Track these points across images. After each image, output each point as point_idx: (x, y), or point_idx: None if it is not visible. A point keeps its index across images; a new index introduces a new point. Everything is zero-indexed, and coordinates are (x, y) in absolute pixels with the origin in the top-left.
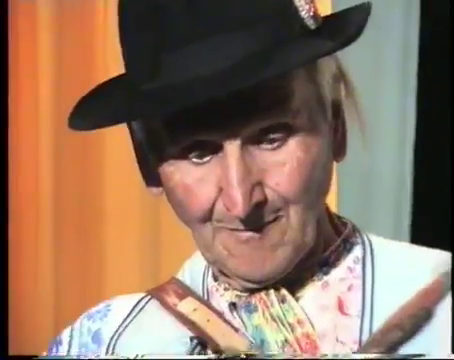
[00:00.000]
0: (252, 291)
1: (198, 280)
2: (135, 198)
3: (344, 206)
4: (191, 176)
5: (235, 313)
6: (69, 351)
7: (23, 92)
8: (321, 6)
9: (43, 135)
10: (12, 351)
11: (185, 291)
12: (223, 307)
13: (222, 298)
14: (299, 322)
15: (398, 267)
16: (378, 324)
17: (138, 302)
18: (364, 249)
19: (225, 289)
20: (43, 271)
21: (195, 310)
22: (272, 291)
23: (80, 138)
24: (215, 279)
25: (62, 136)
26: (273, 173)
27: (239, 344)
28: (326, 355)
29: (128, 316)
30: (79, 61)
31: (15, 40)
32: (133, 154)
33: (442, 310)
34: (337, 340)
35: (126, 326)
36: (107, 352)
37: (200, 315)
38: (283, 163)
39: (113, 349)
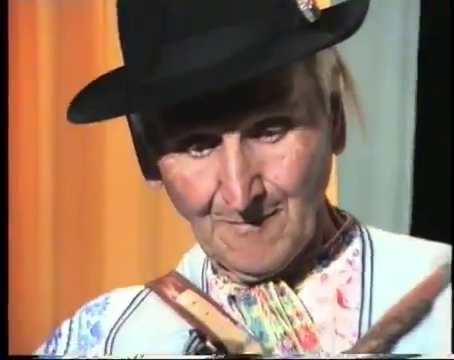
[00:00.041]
0: (251, 284)
1: (197, 273)
2: (134, 197)
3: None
4: (190, 169)
5: (234, 306)
6: (68, 344)
7: (23, 92)
8: None
9: (43, 134)
10: (11, 351)
11: (184, 284)
12: (222, 300)
13: (221, 291)
14: (298, 315)
15: (397, 259)
16: (377, 317)
17: (137, 295)
18: (363, 242)
19: (224, 282)
20: (42, 271)
21: (194, 303)
22: (271, 284)
23: (80, 137)
24: (214, 272)
25: (62, 135)
26: (272, 166)
27: (238, 337)
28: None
29: (127, 309)
30: (79, 61)
31: (15, 40)
32: (133, 151)
33: (441, 302)
34: (336, 333)
35: (125, 319)
36: (106, 345)
37: (199, 308)
38: (282, 156)
39: (112, 342)
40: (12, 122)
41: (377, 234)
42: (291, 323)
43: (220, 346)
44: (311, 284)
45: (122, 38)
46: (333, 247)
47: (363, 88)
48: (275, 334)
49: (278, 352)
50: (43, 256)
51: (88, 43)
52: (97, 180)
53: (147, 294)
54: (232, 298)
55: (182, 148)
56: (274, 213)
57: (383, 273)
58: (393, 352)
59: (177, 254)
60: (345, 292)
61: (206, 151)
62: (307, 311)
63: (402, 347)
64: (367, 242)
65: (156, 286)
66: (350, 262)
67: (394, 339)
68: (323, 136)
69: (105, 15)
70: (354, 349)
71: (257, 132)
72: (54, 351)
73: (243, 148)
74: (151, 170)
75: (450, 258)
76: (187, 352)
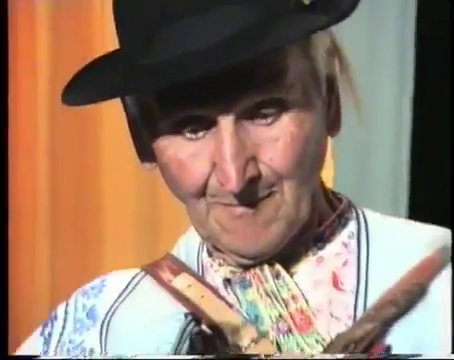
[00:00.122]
0: (246, 267)
1: (193, 256)
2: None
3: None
4: (185, 151)
5: (229, 289)
6: (64, 327)
7: (22, 88)
8: None
9: (41, 130)
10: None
11: (180, 267)
12: (217, 283)
13: (216, 274)
14: (293, 297)
15: (393, 242)
16: (372, 300)
17: (133, 278)
18: (359, 224)
19: (220, 265)
20: (40, 267)
21: (190, 286)
22: (266, 267)
23: (78, 133)
24: (210, 255)
25: (60, 130)
26: (267, 148)
27: (233, 320)
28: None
29: (123, 292)
30: (77, 57)
31: (14, 36)
32: (130, 145)
33: (437, 286)
34: (331, 315)
35: (121, 302)
36: (102, 328)
37: (194, 291)
38: (276, 138)
39: (108, 325)
40: (11, 118)
41: (373, 217)
42: (286, 306)
43: (215, 329)
44: (306, 267)
45: (117, 17)
46: (328, 230)
47: (359, 71)
48: (270, 317)
49: (273, 334)
50: (41, 248)
51: (86, 39)
52: (94, 174)
53: (142, 277)
54: (227, 281)
55: (177, 130)
56: (269, 195)
57: (379, 256)
58: (389, 336)
59: (175, 239)
60: (341, 275)
61: (201, 133)
62: (302, 294)
63: (397, 330)
64: (363, 225)
65: (152, 269)
66: (346, 245)
67: (389, 322)
68: (318, 118)
69: (103, 11)
70: (349, 332)
71: (252, 114)
72: (50, 334)
73: (238, 130)
74: (146, 152)
75: (447, 241)
76: (182, 335)
